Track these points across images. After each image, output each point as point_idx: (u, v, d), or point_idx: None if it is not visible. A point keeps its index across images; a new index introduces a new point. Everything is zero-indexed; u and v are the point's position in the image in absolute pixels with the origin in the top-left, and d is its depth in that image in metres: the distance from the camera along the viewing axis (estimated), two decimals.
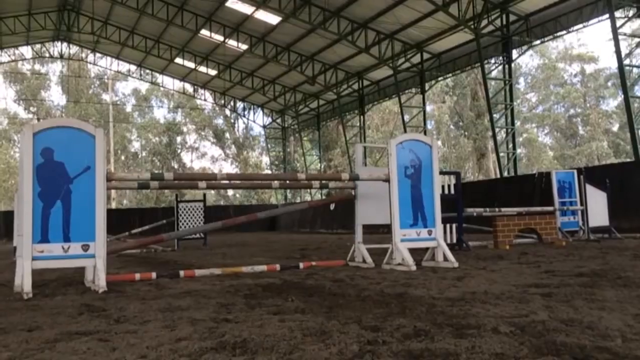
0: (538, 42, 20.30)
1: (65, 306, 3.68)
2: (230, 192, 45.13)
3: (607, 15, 15.83)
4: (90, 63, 36.00)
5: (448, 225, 8.31)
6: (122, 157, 47.70)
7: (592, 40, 59.34)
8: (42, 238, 4.49)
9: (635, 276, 4.26)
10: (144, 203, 42.99)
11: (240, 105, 36.00)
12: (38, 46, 31.81)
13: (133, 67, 33.79)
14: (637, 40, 16.62)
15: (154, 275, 5.43)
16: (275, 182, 6.68)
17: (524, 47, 20.19)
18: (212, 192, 41.77)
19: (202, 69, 30.60)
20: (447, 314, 2.91)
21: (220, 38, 25.84)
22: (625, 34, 16.12)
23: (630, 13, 15.76)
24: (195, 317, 3.06)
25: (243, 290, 4.28)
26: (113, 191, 30.66)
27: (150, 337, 2.58)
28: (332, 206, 20.62)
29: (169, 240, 10.14)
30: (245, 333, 2.56)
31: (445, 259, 5.89)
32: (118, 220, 20.39)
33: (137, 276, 5.35)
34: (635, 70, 16.44)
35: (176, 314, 3.23)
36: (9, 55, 32.32)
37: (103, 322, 3.04)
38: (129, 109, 48.06)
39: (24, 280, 4.29)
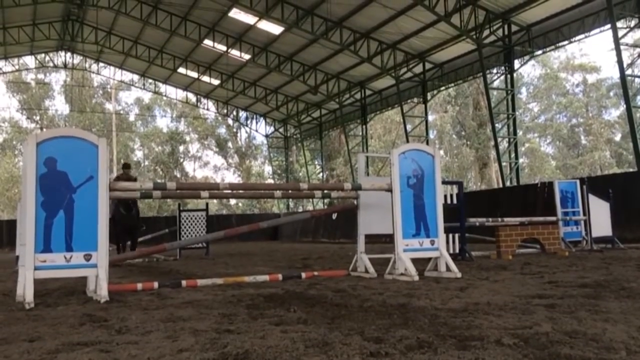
0: (540, 52, 20.35)
1: (67, 316, 3.67)
2: (232, 201, 45.11)
3: (608, 26, 15.86)
4: (93, 73, 36.16)
5: (450, 235, 8.29)
6: None
7: (594, 50, 59.52)
8: (44, 247, 4.50)
9: (639, 287, 4.23)
10: (146, 212, 42.95)
11: (242, 114, 36.09)
12: (42, 56, 32.00)
13: (136, 77, 33.94)
14: (639, 50, 16.66)
15: (156, 285, 5.42)
16: (278, 191, 6.67)
17: (526, 57, 20.24)
18: (215, 201, 41.77)
19: (205, 78, 30.73)
20: (450, 325, 2.90)
21: (223, 48, 25.96)
22: (627, 44, 16.14)
23: (632, 23, 15.79)
24: (197, 328, 3.05)
25: (245, 300, 4.26)
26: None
27: (152, 348, 2.57)
28: (334, 215, 20.62)
29: (171, 250, 10.13)
30: (247, 344, 2.55)
31: (448, 269, 5.88)
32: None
33: (139, 286, 5.34)
34: (637, 80, 16.48)
35: (178, 324, 3.22)
36: (13, 65, 32.52)
37: (105, 332, 3.03)
38: (132, 118, 48.25)
39: (26, 290, 4.29)
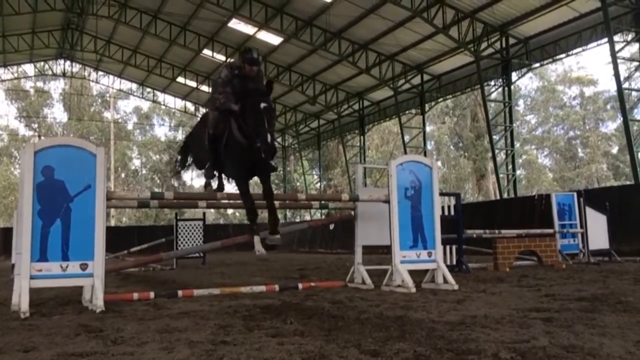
0: (537, 64, 20.46)
1: (62, 326, 3.65)
2: (230, 210, 45.01)
3: (606, 39, 15.98)
4: (92, 81, 36.24)
5: (448, 247, 8.29)
6: (123, 175, 47.72)
7: (591, 64, 59.84)
8: (40, 256, 4.48)
9: (635, 301, 4.23)
10: (143, 221, 42.85)
11: None
12: (41, 64, 32.08)
13: (135, 86, 34.02)
14: (635, 64, 16.76)
15: (152, 294, 5.39)
16: (275, 202, 6.66)
17: (524, 70, 20.35)
18: (212, 210, 41.68)
19: (204, 88, 30.79)
20: (447, 339, 2.89)
21: (222, 58, 26.04)
22: (624, 58, 16.24)
23: (629, 37, 15.91)
24: (193, 339, 3.04)
25: (241, 311, 4.25)
26: (112, 208, 30.54)
27: (147, 359, 2.55)
28: (331, 226, 20.59)
29: (168, 259, 10.09)
30: (243, 356, 2.54)
31: (445, 281, 5.87)
32: (117, 238, 20.31)
33: (135, 296, 5.32)
34: (634, 93, 16.54)
35: (174, 335, 3.20)
36: (12, 73, 32.57)
37: (100, 343, 3.02)
38: (130, 126, 48.26)
39: (21, 299, 4.27)
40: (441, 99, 25.76)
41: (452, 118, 41.25)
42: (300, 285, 6.12)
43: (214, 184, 6.08)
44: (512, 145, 20.22)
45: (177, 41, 25.14)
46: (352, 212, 6.57)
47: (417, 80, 23.44)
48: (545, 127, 44.28)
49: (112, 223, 40.04)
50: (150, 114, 47.58)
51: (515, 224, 12.33)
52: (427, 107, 24.93)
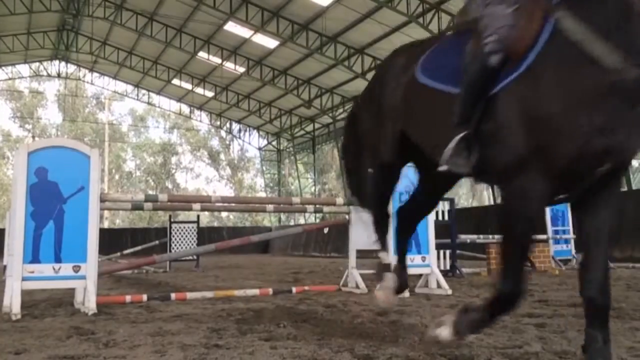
0: None
1: (54, 328, 3.63)
2: (224, 213, 44.92)
3: None
4: (87, 82, 36.16)
5: (442, 252, 8.30)
6: (117, 177, 47.54)
7: None
8: (33, 258, 4.46)
9: (628, 307, 4.25)
10: (136, 223, 42.69)
11: (236, 127, 36.14)
12: (36, 65, 31.98)
13: (130, 88, 33.96)
14: None
15: (144, 297, 5.37)
16: (270, 205, 6.67)
17: None
18: (206, 213, 41.60)
19: (199, 90, 30.78)
20: (440, 344, 2.89)
21: (217, 60, 26.05)
22: None
23: None
24: (186, 343, 3.03)
25: (235, 314, 4.24)
26: (106, 210, 30.35)
27: None
28: (325, 230, 20.58)
29: (161, 262, 10.06)
30: None
31: (439, 285, 5.87)
32: (110, 240, 20.24)
33: (128, 298, 5.29)
34: None
35: (166, 338, 3.19)
36: (7, 73, 32.47)
37: (92, 345, 3.00)
38: (124, 128, 48.11)
39: (13, 301, 4.24)
40: None
41: None
42: (294, 289, 6.11)
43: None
44: None
45: (172, 43, 25.12)
46: (347, 217, 6.57)
47: None
48: None
49: (106, 225, 39.87)
50: (145, 116, 47.40)
51: None
52: None
